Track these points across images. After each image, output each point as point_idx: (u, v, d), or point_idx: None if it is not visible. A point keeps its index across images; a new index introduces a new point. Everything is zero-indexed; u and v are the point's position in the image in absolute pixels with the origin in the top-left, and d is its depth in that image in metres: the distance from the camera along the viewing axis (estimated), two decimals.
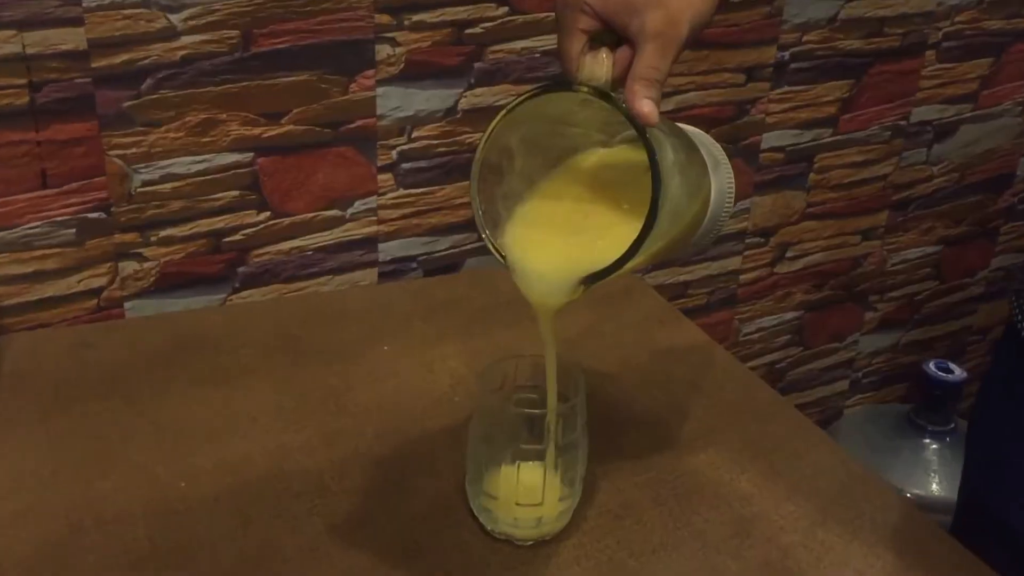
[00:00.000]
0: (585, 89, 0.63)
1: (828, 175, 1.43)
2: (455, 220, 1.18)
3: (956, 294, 1.67)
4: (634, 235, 0.64)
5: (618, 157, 0.71)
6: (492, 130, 0.66)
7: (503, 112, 0.66)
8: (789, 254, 1.46)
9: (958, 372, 1.50)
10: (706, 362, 0.99)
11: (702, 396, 0.93)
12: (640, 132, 0.62)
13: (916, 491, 1.48)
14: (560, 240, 0.70)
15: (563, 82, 0.65)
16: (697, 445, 0.86)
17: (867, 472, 0.84)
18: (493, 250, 0.70)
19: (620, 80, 0.64)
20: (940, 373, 1.50)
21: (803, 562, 0.75)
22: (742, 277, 1.44)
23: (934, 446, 1.52)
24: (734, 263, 1.42)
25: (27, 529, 0.73)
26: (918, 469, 1.51)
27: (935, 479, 1.49)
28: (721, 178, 0.74)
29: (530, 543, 0.75)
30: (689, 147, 0.72)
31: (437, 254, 1.19)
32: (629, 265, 0.65)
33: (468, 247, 1.20)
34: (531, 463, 0.72)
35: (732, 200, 0.76)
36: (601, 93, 0.63)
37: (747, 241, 1.41)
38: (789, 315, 1.51)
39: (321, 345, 0.97)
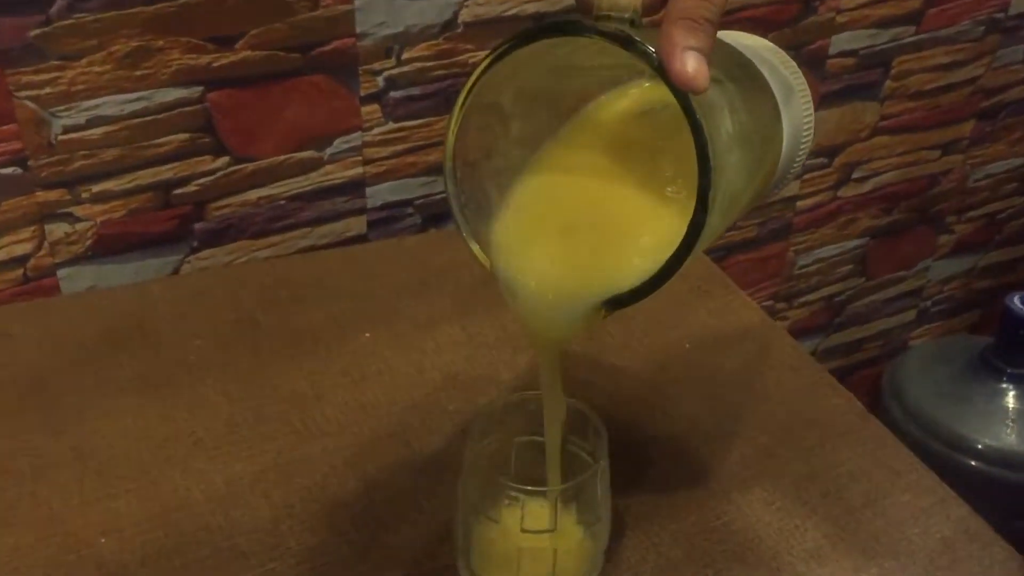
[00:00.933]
0: (598, 33, 0.43)
1: (907, 82, 1.20)
2: None
3: None
4: (675, 227, 0.46)
5: (652, 97, 0.52)
6: (471, 88, 0.47)
7: (485, 62, 0.47)
8: (856, 175, 1.25)
9: None
10: (762, 352, 0.80)
11: (757, 403, 0.75)
12: (682, 102, 0.43)
13: (989, 442, 1.30)
14: (570, 240, 0.51)
15: (569, 21, 0.44)
16: (750, 476, 0.69)
17: (979, 525, 0.66)
18: (476, 254, 0.52)
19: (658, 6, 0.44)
20: None
21: None
22: (799, 204, 1.23)
23: (1013, 391, 1.33)
24: (791, 189, 1.21)
25: None
26: (993, 417, 1.33)
27: (1013, 429, 1.31)
28: (795, 112, 0.55)
29: None
30: (751, 89, 0.52)
31: (437, 196, 0.99)
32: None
33: None
34: (538, 544, 0.55)
35: (810, 136, 0.56)
36: (624, 38, 0.43)
37: (808, 163, 1.20)
38: (852, 243, 1.31)
39: (288, 334, 0.80)
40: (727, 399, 0.75)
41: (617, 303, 0.48)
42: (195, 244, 0.91)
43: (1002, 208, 1.41)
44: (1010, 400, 1.34)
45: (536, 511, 0.53)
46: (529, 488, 0.53)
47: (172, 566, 0.62)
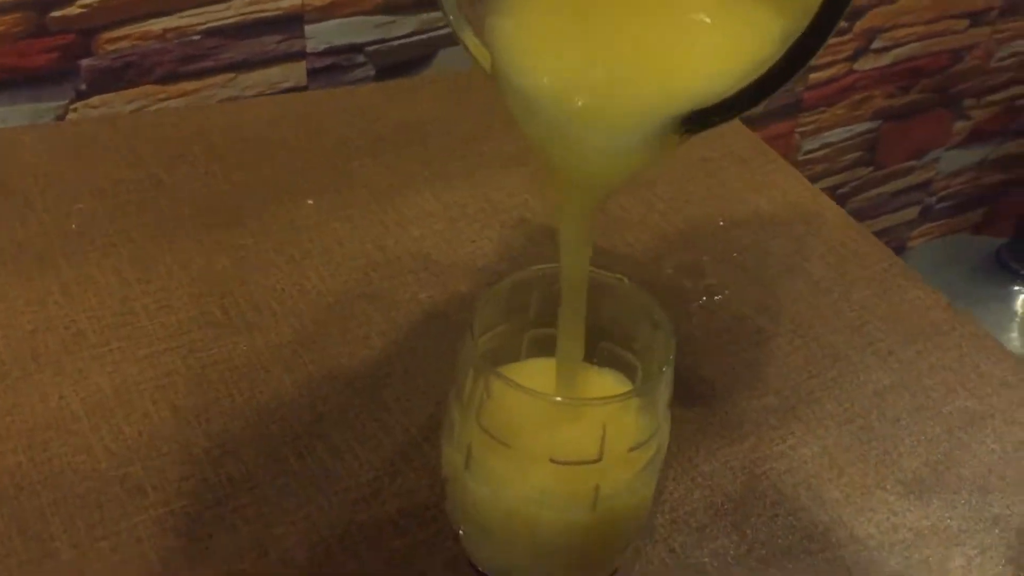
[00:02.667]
0: None
1: None
2: None
3: None
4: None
5: None
6: None
7: None
8: (876, 45, 1.08)
9: None
10: (815, 233, 0.63)
11: (817, 295, 0.59)
12: None
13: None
14: (622, 31, 0.33)
15: None
16: (817, 387, 0.53)
17: None
18: (472, 49, 0.34)
19: None
20: None
21: None
22: (812, 76, 1.06)
23: None
24: None
25: None
26: (1007, 321, 1.20)
27: None
28: None
29: None
30: None
31: (395, 42, 0.80)
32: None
33: (442, 31, 0.81)
34: (573, 483, 0.37)
35: None
36: None
37: None
38: (864, 126, 1.15)
39: (203, 199, 0.61)
40: (778, 291, 0.59)
41: (703, 118, 0.31)
42: (82, 87, 0.70)
43: (1020, 94, 1.26)
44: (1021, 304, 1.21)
45: (569, 435, 0.36)
46: (566, 399, 0.36)
47: (38, 506, 0.43)
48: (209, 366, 0.50)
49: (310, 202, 0.61)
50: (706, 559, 0.44)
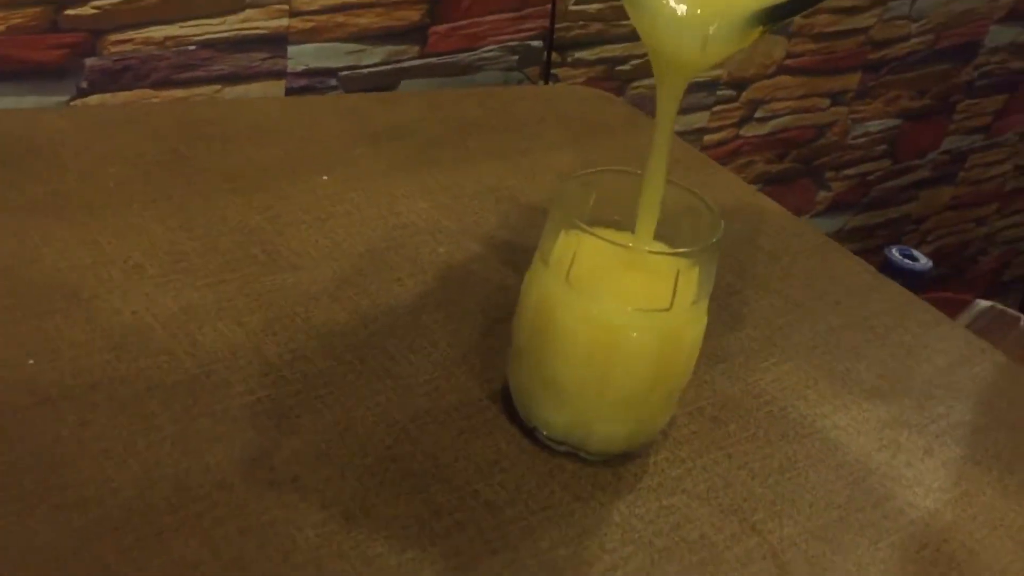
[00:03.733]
0: None
1: (813, 20, 1.20)
2: (392, 23, 0.87)
3: (905, 176, 1.50)
4: None
5: None
6: None
7: None
8: (758, 114, 1.23)
9: (923, 260, 1.33)
10: (759, 222, 0.74)
11: (770, 263, 0.69)
12: None
13: None
14: None
15: None
16: (785, 324, 0.62)
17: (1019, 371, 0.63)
18: None
19: None
20: (906, 261, 1.32)
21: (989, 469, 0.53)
22: (706, 138, 1.20)
23: None
24: (701, 119, 1.18)
25: None
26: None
27: None
28: None
29: (599, 459, 0.49)
30: None
31: (364, 70, 0.88)
32: None
33: (406, 63, 0.90)
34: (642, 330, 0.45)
35: None
36: None
37: (719, 94, 1.17)
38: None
39: (226, 168, 0.66)
40: (742, 258, 0.68)
41: (776, 13, 0.41)
42: (83, 85, 0.75)
43: (872, 169, 1.44)
44: None
45: (647, 287, 0.44)
46: (651, 250, 0.43)
47: (135, 391, 0.47)
48: (263, 294, 0.55)
49: (324, 177, 0.67)
50: (720, 438, 0.52)
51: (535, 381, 0.47)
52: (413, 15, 0.88)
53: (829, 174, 1.39)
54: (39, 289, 0.52)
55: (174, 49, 0.77)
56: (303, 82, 0.85)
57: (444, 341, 0.55)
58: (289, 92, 0.84)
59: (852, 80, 1.30)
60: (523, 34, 0.90)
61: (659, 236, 0.47)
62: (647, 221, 0.45)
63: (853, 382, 0.58)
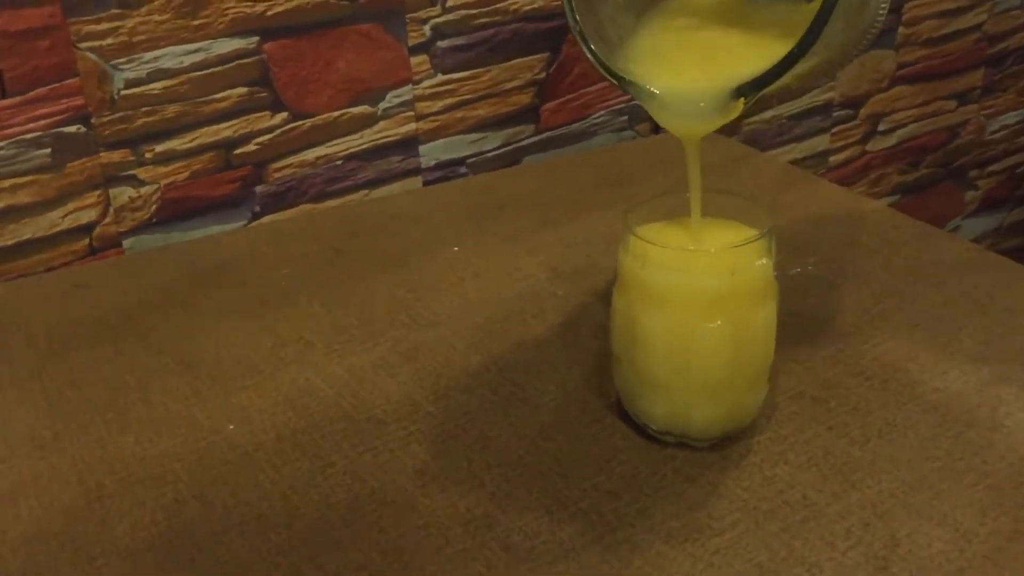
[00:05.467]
0: None
1: (918, 28, 1.23)
2: (507, 109, 0.98)
3: None
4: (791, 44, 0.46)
5: None
6: None
7: None
8: (881, 127, 1.26)
9: None
10: (859, 222, 0.79)
11: (867, 256, 0.73)
12: None
13: None
14: (698, 63, 0.52)
15: None
16: (886, 308, 0.67)
17: None
18: (606, 72, 0.51)
19: None
20: None
21: None
22: (831, 159, 1.24)
23: None
24: (822, 142, 1.22)
25: (28, 504, 0.53)
26: None
27: None
28: None
29: (705, 445, 0.55)
30: None
31: (489, 154, 0.99)
32: (794, 71, 0.47)
33: (525, 142, 1.00)
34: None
35: None
36: None
37: (835, 115, 1.21)
38: (883, 202, 1.31)
39: (374, 255, 0.77)
40: (837, 260, 0.73)
41: (751, 88, 0.48)
42: (256, 209, 0.89)
43: (1020, 161, 1.43)
44: None
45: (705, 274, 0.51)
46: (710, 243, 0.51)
47: (310, 439, 0.57)
48: (410, 350, 0.65)
49: (455, 249, 0.77)
50: (820, 415, 0.57)
51: (632, 381, 0.55)
52: (524, 99, 0.98)
53: (973, 173, 1.39)
54: (232, 370, 0.64)
55: (325, 166, 0.90)
56: (437, 174, 0.96)
57: (564, 365, 0.63)
58: (426, 185, 0.96)
59: (975, 77, 1.31)
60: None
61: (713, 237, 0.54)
62: (698, 224, 0.53)
63: (955, 350, 0.62)
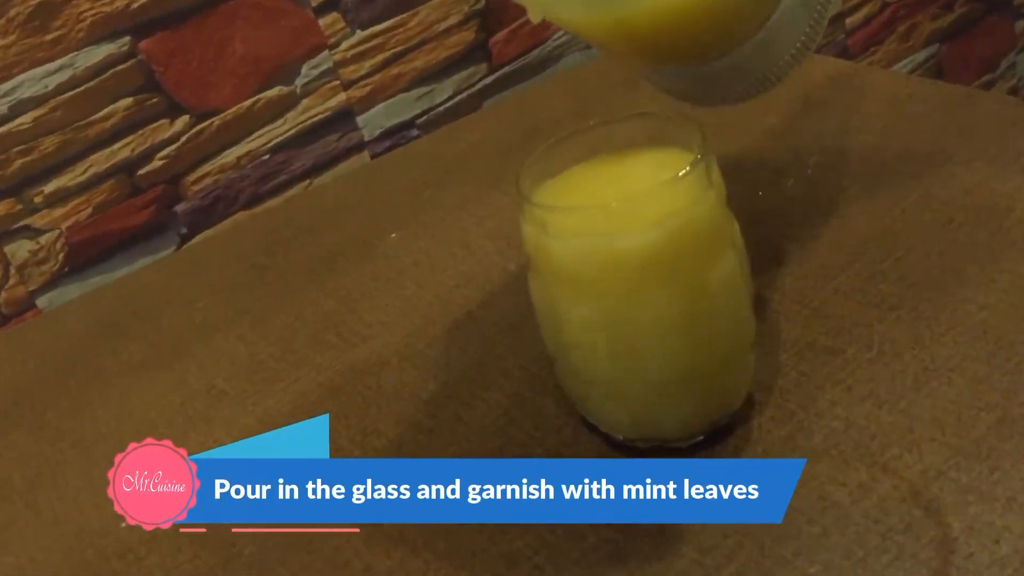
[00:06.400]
0: None
1: None
2: (449, 53, 0.85)
3: None
4: None
5: None
6: None
7: None
8: None
9: None
10: (863, 93, 0.64)
11: (877, 140, 0.59)
12: None
13: None
14: None
15: None
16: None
17: None
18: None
19: None
20: None
21: None
22: (848, 21, 1.07)
23: None
24: (833, 5, 1.05)
25: None
26: None
27: None
28: None
29: (691, 443, 0.42)
30: None
31: (441, 108, 0.86)
32: None
33: (480, 84, 0.87)
34: None
35: None
36: None
37: None
38: (922, 55, 1.14)
39: (302, 266, 0.66)
40: (840, 154, 0.59)
41: None
42: (183, 231, 0.78)
43: None
44: None
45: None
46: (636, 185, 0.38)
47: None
48: (335, 379, 0.54)
49: (393, 235, 0.65)
50: (835, 371, 0.44)
51: (578, 386, 0.42)
52: (467, 36, 0.85)
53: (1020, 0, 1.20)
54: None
55: (250, 165, 0.79)
56: (386, 144, 0.84)
57: (516, 369, 0.50)
58: (375, 157, 0.84)
59: None
60: None
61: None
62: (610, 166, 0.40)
63: (1003, 243, 0.48)
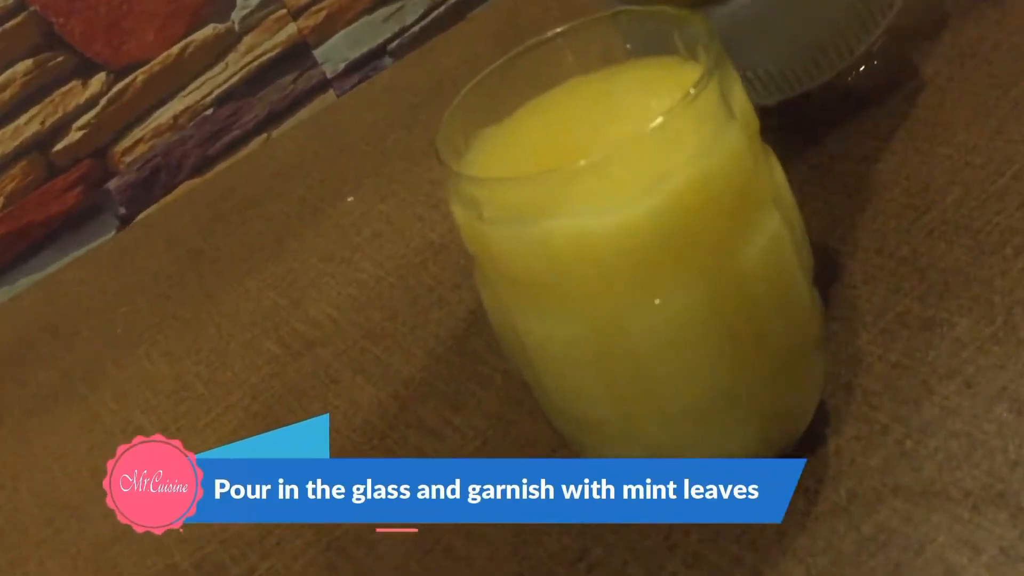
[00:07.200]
0: None
1: None
2: None
3: None
4: None
5: None
6: None
7: None
8: None
9: None
10: None
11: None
12: None
13: None
14: None
15: None
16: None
17: None
18: None
19: None
20: None
21: None
22: None
23: None
24: None
25: None
26: None
27: None
28: None
29: None
30: None
31: (415, 28, 0.72)
32: None
33: None
34: None
35: None
36: None
37: None
38: None
39: (243, 246, 0.53)
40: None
41: None
42: (121, 211, 0.65)
43: None
44: None
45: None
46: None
47: None
48: (273, 404, 0.42)
49: (350, 199, 0.52)
50: (946, 355, 0.30)
51: (568, 426, 0.29)
52: None
53: None
54: (28, 515, 0.42)
55: (192, 124, 0.66)
56: (353, 80, 0.70)
57: (499, 374, 0.37)
58: (343, 95, 0.70)
59: None
60: None
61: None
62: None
63: None
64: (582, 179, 0.24)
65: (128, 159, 0.65)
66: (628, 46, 0.28)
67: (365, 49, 0.70)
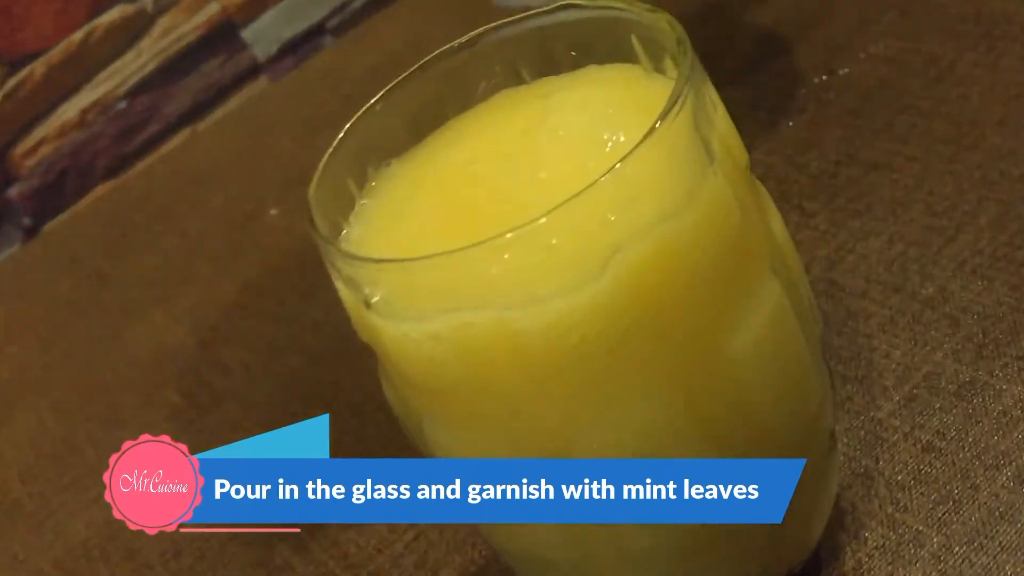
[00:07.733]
0: None
1: None
2: None
3: None
4: None
5: None
6: None
7: None
8: None
9: None
10: None
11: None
12: None
13: None
14: None
15: None
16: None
17: None
18: None
19: None
20: None
21: None
22: None
23: None
24: None
25: None
26: None
27: None
28: None
29: None
30: None
31: (355, 3, 0.64)
32: None
33: None
34: None
35: None
36: None
37: None
38: None
39: (152, 268, 0.46)
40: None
41: None
42: (26, 222, 0.58)
43: None
44: None
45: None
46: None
47: None
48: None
49: (273, 212, 0.45)
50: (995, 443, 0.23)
51: (524, 565, 0.22)
52: None
53: None
54: None
55: (102, 118, 0.58)
56: (289, 63, 0.63)
57: None
58: (277, 80, 0.62)
59: None
60: None
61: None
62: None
63: None
64: (506, 255, 0.17)
65: (30, 162, 0.57)
66: (573, 53, 0.21)
67: (301, 27, 0.63)
